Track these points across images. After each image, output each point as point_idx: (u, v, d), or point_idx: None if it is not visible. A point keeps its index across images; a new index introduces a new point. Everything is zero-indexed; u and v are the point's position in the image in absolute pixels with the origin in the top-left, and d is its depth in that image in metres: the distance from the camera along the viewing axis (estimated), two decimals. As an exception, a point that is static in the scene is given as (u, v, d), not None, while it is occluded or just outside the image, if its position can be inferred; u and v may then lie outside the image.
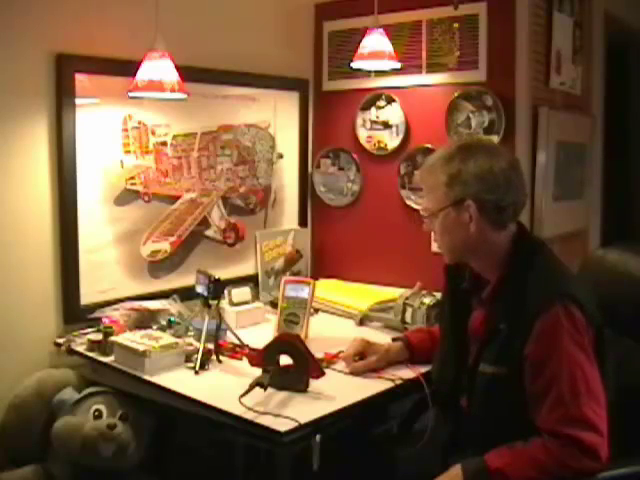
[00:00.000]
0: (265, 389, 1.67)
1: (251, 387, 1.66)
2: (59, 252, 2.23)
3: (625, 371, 1.67)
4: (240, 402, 1.62)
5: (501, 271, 1.64)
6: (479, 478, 1.47)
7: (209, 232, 2.69)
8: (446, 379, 1.75)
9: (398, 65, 2.56)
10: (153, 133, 2.46)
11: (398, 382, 1.86)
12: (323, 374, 1.79)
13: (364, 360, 1.95)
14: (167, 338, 2.02)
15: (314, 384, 1.78)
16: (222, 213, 2.73)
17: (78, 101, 2.22)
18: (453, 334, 1.75)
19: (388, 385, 1.85)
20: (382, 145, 2.88)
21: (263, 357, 1.79)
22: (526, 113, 2.60)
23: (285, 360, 1.79)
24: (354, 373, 1.92)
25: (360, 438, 2.09)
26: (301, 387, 1.76)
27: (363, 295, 2.64)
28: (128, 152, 2.39)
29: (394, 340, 2.04)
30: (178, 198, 2.56)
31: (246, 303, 2.45)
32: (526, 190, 1.71)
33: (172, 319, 2.22)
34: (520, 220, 1.72)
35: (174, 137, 2.53)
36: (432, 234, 1.77)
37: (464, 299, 1.76)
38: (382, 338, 2.14)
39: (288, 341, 1.81)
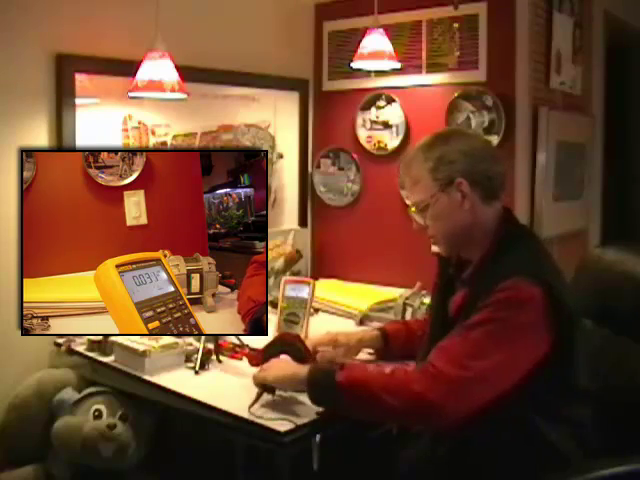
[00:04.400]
0: (273, 394, 1.67)
1: (259, 395, 1.65)
2: (59, 252, 2.22)
3: (622, 370, 1.67)
4: (250, 412, 1.60)
5: (484, 251, 1.63)
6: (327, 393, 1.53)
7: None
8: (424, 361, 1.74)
9: (398, 65, 2.56)
10: (153, 133, 2.46)
11: (398, 382, 1.85)
12: (323, 374, 1.79)
13: (333, 351, 1.94)
14: (167, 338, 2.02)
15: (314, 384, 1.77)
16: (222, 213, 2.73)
17: (78, 101, 2.22)
18: (438, 318, 1.75)
19: (388, 385, 1.85)
20: (382, 145, 2.88)
21: (263, 357, 1.79)
22: (526, 113, 2.60)
23: (285, 360, 1.79)
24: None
25: (360, 438, 2.09)
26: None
27: (363, 295, 2.64)
28: (128, 152, 2.40)
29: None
30: (178, 198, 2.56)
31: (246, 303, 2.45)
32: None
33: (172, 319, 2.22)
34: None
35: (174, 137, 2.53)
36: (426, 231, 1.72)
37: (450, 283, 1.75)
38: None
39: (288, 341, 1.81)
